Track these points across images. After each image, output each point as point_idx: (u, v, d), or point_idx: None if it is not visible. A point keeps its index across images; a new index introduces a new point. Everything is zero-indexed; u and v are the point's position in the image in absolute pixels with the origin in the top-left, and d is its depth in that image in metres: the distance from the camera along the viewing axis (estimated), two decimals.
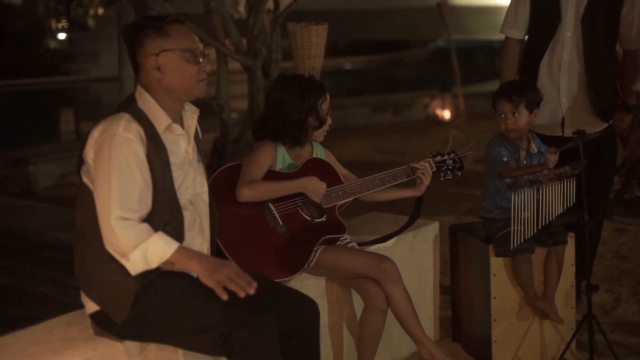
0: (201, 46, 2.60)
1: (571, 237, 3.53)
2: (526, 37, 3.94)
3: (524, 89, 3.47)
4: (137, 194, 2.44)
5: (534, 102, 3.47)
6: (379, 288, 3.08)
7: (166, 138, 2.56)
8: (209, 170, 3.00)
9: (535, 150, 3.49)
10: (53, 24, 16.53)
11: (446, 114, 10.02)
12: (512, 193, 3.17)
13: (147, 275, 2.47)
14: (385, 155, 8.22)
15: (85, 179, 2.53)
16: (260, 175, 3.08)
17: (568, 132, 3.75)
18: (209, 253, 2.74)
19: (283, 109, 3.14)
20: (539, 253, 3.46)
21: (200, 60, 2.57)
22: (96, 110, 11.97)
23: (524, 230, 3.23)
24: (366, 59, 17.42)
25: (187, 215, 2.62)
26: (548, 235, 3.42)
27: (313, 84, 3.21)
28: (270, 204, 3.10)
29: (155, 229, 2.45)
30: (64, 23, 16.87)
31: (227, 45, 5.68)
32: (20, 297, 4.36)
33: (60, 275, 4.31)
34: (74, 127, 11.93)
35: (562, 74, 3.76)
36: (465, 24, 16.77)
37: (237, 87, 7.69)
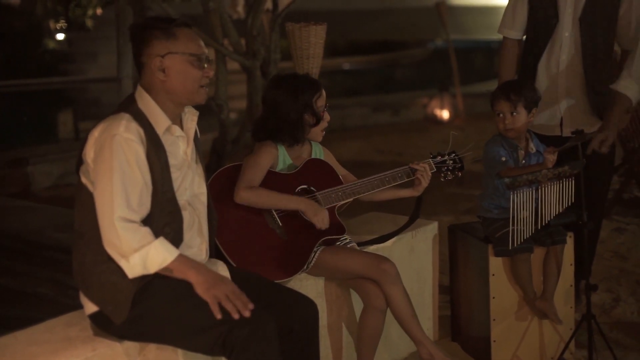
0: (207, 52, 2.61)
1: (570, 236, 3.53)
2: (524, 37, 3.94)
3: (522, 89, 3.47)
4: (137, 195, 2.45)
5: (532, 102, 3.47)
6: (378, 288, 3.08)
7: (165, 139, 2.57)
8: (208, 170, 3.00)
9: (534, 149, 3.49)
10: (51, 24, 16.55)
11: (445, 114, 10.04)
12: (511, 193, 3.17)
13: (146, 275, 2.46)
14: (384, 155, 8.23)
15: (84, 179, 2.53)
16: (260, 178, 3.07)
17: (567, 132, 3.75)
18: (208, 254, 2.75)
19: (279, 109, 3.15)
20: (538, 253, 3.47)
21: (205, 65, 2.59)
22: (95, 111, 11.98)
23: (523, 230, 3.24)
24: (365, 59, 17.43)
25: (185, 215, 2.62)
26: (547, 234, 3.42)
27: (306, 81, 3.21)
28: None
29: (154, 230, 2.46)
30: (62, 23, 16.89)
31: (226, 46, 5.69)
32: (19, 298, 4.35)
33: (59, 275, 4.30)
34: (73, 127, 11.93)
35: (561, 73, 3.76)
36: (464, 24, 16.78)
37: (236, 88, 7.69)
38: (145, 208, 2.48)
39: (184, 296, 2.47)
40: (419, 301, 3.57)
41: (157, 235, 2.45)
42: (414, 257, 3.65)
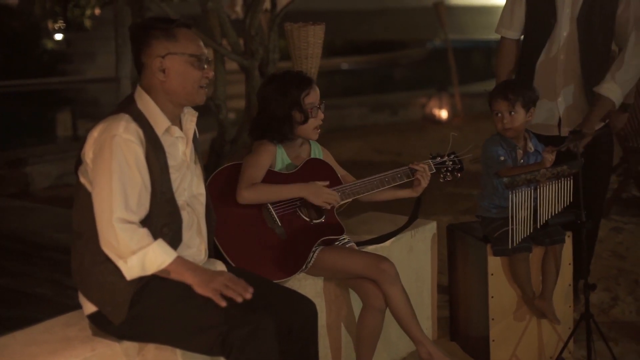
0: (206, 52, 2.61)
1: (569, 236, 3.53)
2: (522, 37, 3.94)
3: (520, 88, 3.48)
4: (136, 196, 2.44)
5: (530, 101, 3.47)
6: (377, 288, 3.08)
7: (165, 140, 2.57)
8: (207, 170, 3.00)
9: (532, 149, 3.49)
10: (50, 24, 16.52)
11: (443, 114, 10.05)
12: (510, 192, 3.18)
13: (144, 275, 2.46)
14: (382, 155, 8.23)
15: (82, 180, 2.53)
16: (260, 177, 3.07)
17: (565, 131, 3.75)
18: (207, 254, 2.75)
19: (268, 105, 3.15)
20: (537, 252, 3.47)
21: (205, 66, 2.59)
22: (93, 111, 11.96)
23: (522, 230, 3.24)
24: (363, 58, 17.42)
25: (184, 216, 2.62)
26: (545, 234, 3.43)
27: (297, 78, 3.18)
28: (269, 204, 3.10)
29: (153, 230, 2.46)
30: (60, 24, 16.86)
31: (224, 46, 5.68)
32: (18, 298, 4.35)
33: (58, 275, 4.30)
34: (71, 127, 11.91)
35: (559, 73, 3.77)
36: (462, 24, 16.77)
37: (235, 88, 7.68)
38: (144, 209, 2.47)
39: (183, 296, 2.47)
40: (418, 301, 3.57)
41: (156, 235, 2.45)
42: (413, 256, 3.65)
